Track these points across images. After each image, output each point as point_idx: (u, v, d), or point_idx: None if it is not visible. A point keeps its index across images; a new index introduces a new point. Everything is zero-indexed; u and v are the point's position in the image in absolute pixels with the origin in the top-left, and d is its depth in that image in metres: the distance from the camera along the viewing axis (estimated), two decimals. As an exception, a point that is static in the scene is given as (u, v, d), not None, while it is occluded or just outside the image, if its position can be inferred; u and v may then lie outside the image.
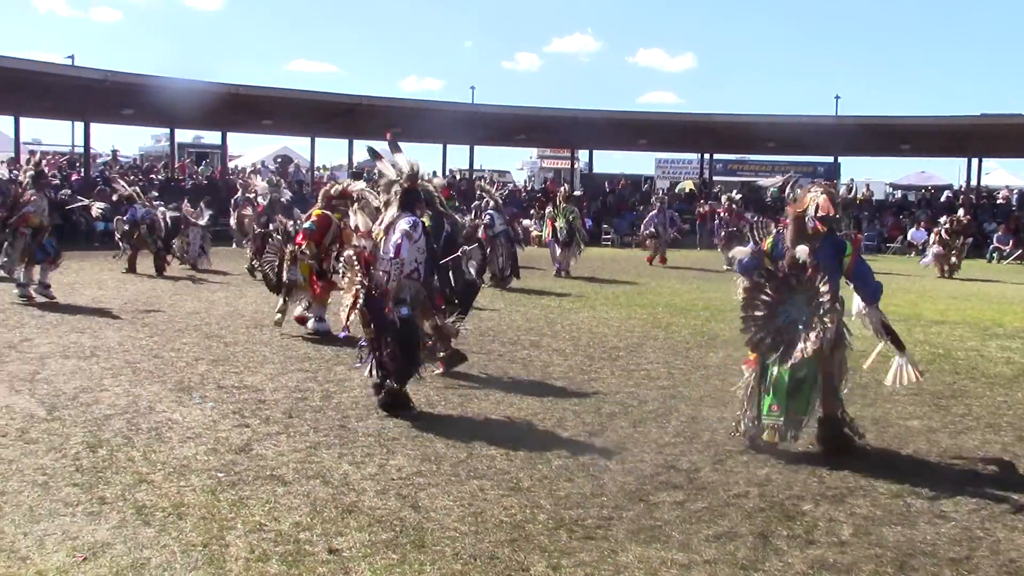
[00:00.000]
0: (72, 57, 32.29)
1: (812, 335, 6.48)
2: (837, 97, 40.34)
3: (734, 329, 12.38)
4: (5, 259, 13.33)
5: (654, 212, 25.48)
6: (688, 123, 37.76)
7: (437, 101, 39.05)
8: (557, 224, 20.91)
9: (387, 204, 7.69)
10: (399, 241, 7.36)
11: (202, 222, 19.83)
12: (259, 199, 20.43)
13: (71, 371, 8.69)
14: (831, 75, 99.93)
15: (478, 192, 21.56)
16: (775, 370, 6.71)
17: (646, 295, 17.05)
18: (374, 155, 8.19)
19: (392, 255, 7.35)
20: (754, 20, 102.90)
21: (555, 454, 6.48)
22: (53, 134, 53.24)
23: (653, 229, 24.89)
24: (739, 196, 27.65)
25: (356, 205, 8.08)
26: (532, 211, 34.14)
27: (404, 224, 7.39)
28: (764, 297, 6.86)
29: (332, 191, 10.80)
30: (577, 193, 26.10)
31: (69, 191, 25.98)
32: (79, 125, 34.46)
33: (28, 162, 18.67)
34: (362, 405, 7.74)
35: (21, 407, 7.33)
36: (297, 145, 43.08)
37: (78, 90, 28.42)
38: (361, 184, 9.25)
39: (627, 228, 34.73)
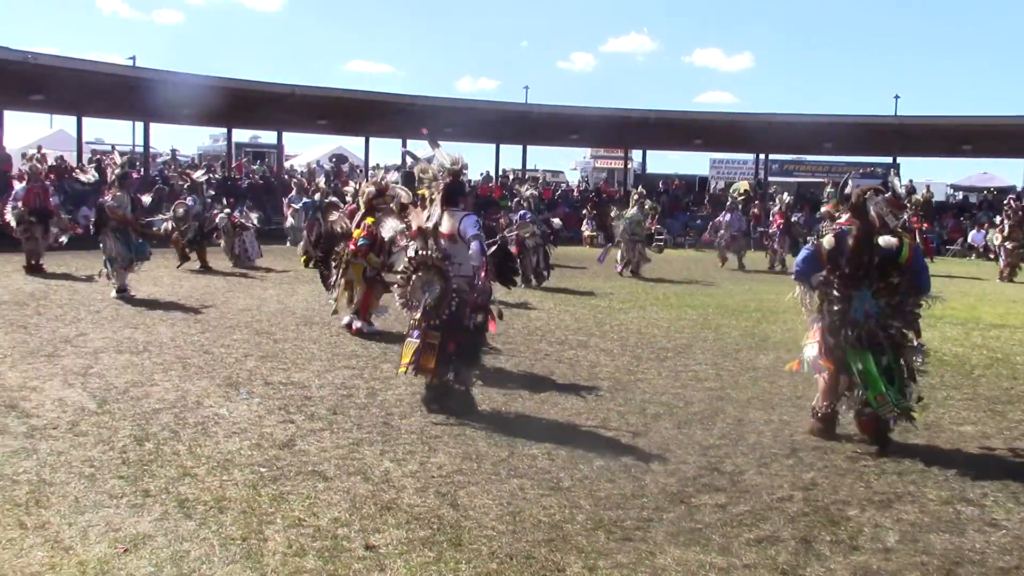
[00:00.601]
0: (134, 58, 32.98)
1: (896, 324, 6.83)
2: (897, 96, 39.90)
3: (786, 331, 12.33)
4: (111, 266, 13.64)
5: (728, 214, 24.50)
6: (744, 123, 37.36)
7: (490, 101, 39.16)
8: (631, 222, 20.58)
9: (431, 201, 7.72)
10: (479, 244, 7.36)
11: (250, 224, 20.14)
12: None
13: (123, 366, 8.84)
14: (891, 74, 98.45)
15: (512, 192, 21.53)
16: (860, 364, 6.81)
17: (697, 296, 16.90)
18: (412, 157, 8.26)
19: (477, 259, 7.34)
20: (812, 19, 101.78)
21: (597, 454, 6.43)
22: (115, 134, 54.19)
23: (733, 231, 24.03)
24: (788, 198, 27.05)
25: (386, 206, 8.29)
26: (584, 212, 34.02)
27: (472, 227, 7.37)
28: (836, 293, 6.98)
29: (369, 194, 10.80)
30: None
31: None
32: (140, 125, 35.06)
33: (95, 161, 19.13)
34: (406, 403, 7.76)
35: (73, 400, 7.46)
36: (352, 144, 43.44)
37: (139, 90, 28.91)
38: (393, 176, 9.37)
39: (680, 229, 34.49)
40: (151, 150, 35.35)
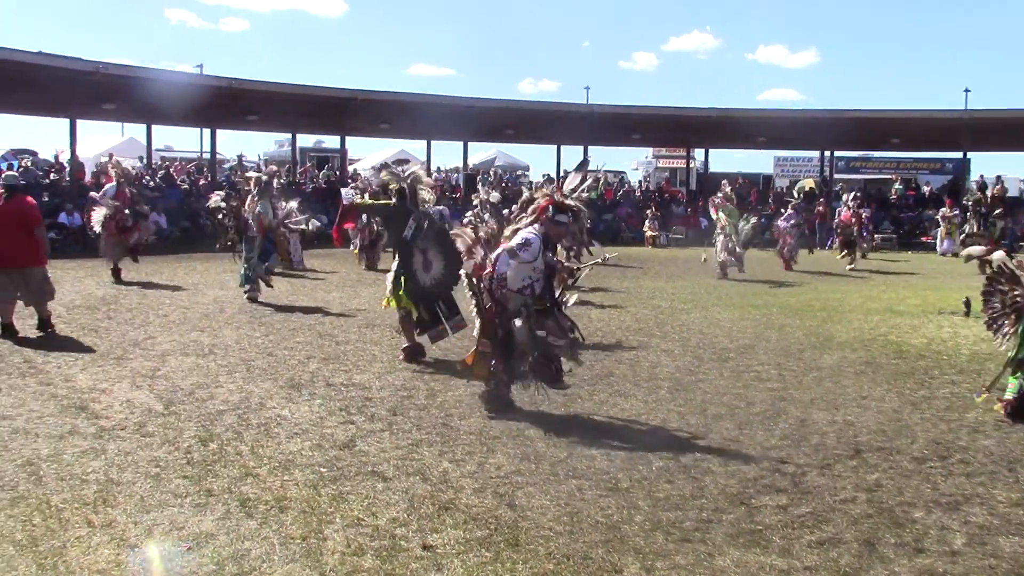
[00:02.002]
0: (200, 66, 33.61)
1: None
2: (967, 90, 38.83)
3: (852, 331, 12.14)
4: (248, 270, 14.11)
5: (792, 213, 23.50)
6: (808, 120, 36.79)
7: (551, 102, 39.18)
8: (729, 224, 20.19)
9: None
10: (498, 254, 7.55)
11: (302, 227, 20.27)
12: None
13: (189, 368, 9.02)
14: (960, 67, 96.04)
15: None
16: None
17: (760, 295, 16.70)
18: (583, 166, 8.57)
19: (492, 267, 7.58)
20: (879, 12, 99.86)
21: (656, 455, 6.38)
22: (183, 140, 55.39)
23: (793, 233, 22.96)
24: (854, 196, 26.41)
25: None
26: (648, 212, 33.85)
27: (515, 239, 7.44)
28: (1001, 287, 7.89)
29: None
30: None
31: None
32: (207, 131, 35.71)
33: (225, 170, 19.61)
34: (465, 404, 7.79)
35: (141, 402, 7.63)
36: (414, 148, 43.74)
37: (206, 97, 29.47)
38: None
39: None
40: (217, 156, 35.98)
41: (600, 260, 8.50)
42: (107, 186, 17.19)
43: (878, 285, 19.29)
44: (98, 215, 16.59)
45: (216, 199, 14.94)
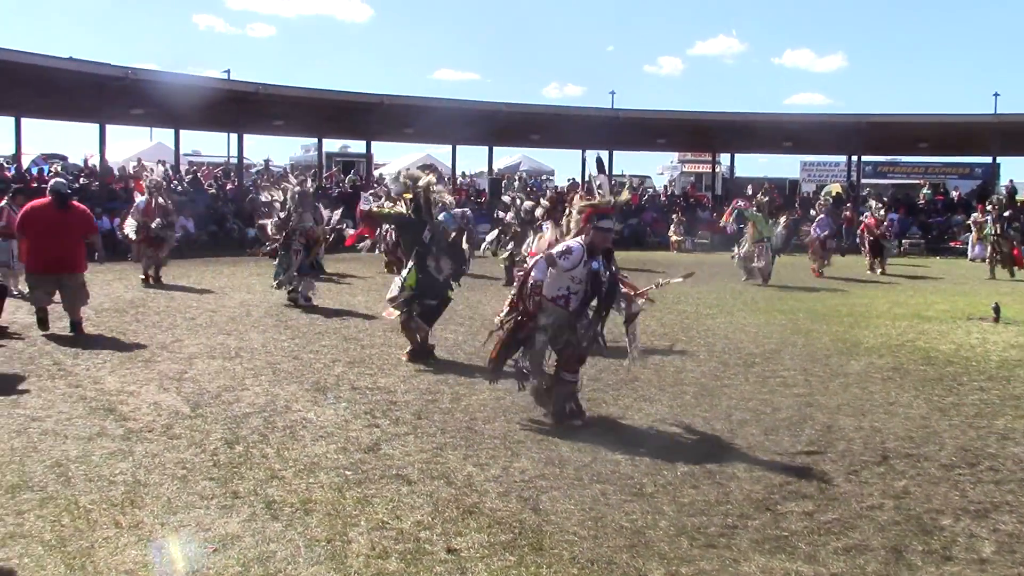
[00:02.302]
0: (228, 71, 33.87)
1: None
2: (996, 94, 38.17)
3: (879, 336, 12.05)
4: (281, 276, 14.31)
5: (823, 217, 23.00)
6: (835, 124, 36.54)
7: (576, 107, 39.16)
8: (756, 231, 20.02)
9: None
10: (536, 260, 7.46)
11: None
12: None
13: (216, 371, 9.08)
14: (990, 71, 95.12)
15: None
16: None
17: (787, 300, 16.60)
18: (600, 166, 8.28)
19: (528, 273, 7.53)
20: (907, 16, 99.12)
21: (681, 460, 6.36)
22: (210, 145, 55.70)
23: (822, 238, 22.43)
24: (878, 205, 26.04)
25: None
26: (673, 216, 33.76)
27: (558, 246, 7.35)
28: None
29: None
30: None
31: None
32: (234, 136, 35.98)
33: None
34: (490, 408, 7.80)
35: (168, 404, 7.69)
36: (439, 152, 43.94)
37: (233, 102, 29.69)
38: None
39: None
40: (245, 160, 36.22)
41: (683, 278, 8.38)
42: (138, 200, 17.39)
43: (906, 290, 19.13)
44: (130, 226, 16.92)
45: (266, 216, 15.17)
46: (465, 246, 11.23)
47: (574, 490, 5.74)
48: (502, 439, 6.85)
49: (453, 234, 10.14)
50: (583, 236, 7.28)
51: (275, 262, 14.45)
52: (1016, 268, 21.99)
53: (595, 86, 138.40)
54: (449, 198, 10.55)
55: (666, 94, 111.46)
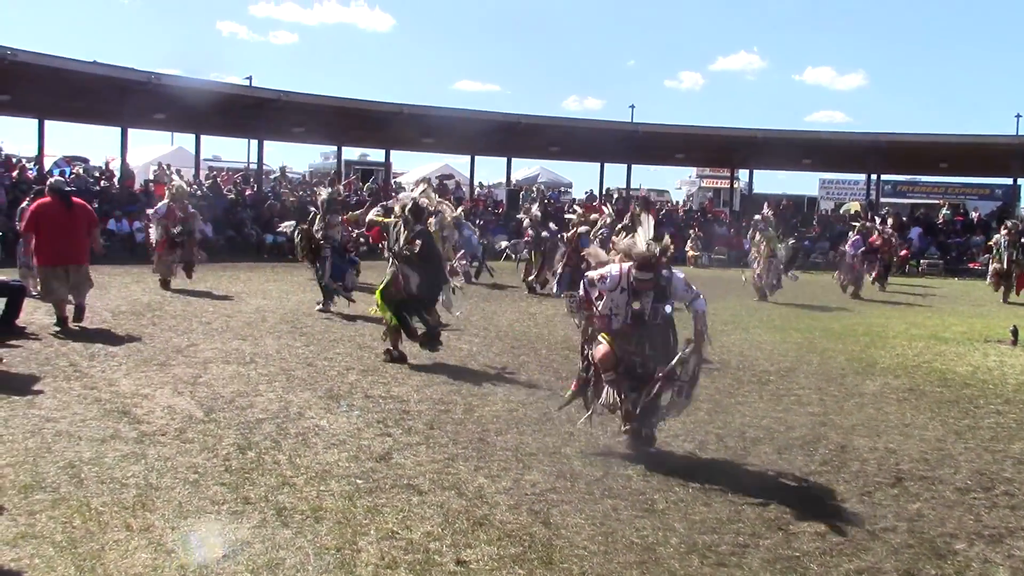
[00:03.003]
0: (250, 78, 34.01)
1: None
2: (1018, 115, 37.91)
3: (895, 356, 11.98)
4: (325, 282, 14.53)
5: (858, 239, 22.52)
6: (855, 142, 36.48)
7: (595, 120, 39.23)
8: (773, 247, 19.94)
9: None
10: (587, 277, 7.38)
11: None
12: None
13: (230, 376, 9.10)
14: (1012, 92, 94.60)
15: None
16: None
17: (803, 319, 16.52)
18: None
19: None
20: (928, 36, 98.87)
21: (693, 477, 6.33)
22: (231, 150, 56.08)
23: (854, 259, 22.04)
24: (883, 220, 25.75)
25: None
26: (691, 232, 33.72)
27: (603, 268, 7.27)
28: None
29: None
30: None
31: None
32: (254, 142, 36.12)
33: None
34: (502, 419, 7.79)
35: (182, 408, 7.72)
36: (457, 163, 43.96)
37: (254, 109, 29.84)
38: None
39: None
40: (264, 167, 36.37)
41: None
42: (159, 204, 17.28)
43: (923, 311, 19.02)
44: (154, 233, 16.84)
45: (286, 227, 15.30)
46: (458, 264, 11.43)
47: (585, 504, 5.73)
48: (514, 451, 6.84)
49: (419, 245, 10.17)
50: (627, 267, 7.00)
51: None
52: (1017, 292, 21.61)
53: (615, 100, 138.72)
54: (448, 210, 10.79)
55: (686, 109, 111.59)
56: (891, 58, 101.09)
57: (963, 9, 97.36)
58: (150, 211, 17.61)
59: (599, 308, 7.19)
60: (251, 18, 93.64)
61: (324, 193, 15.31)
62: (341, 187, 21.72)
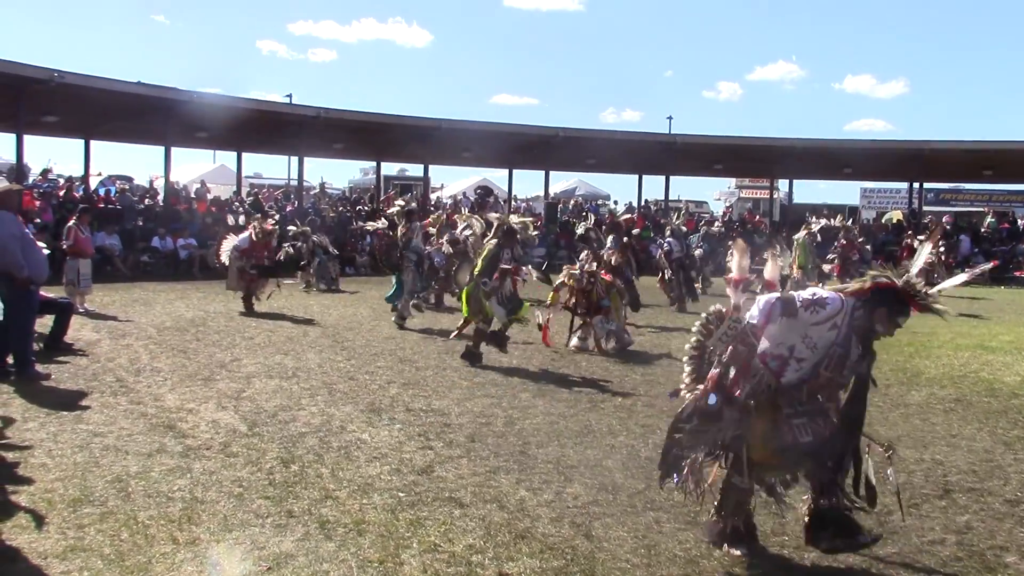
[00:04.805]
0: (290, 96, 34.42)
1: None
2: (1064, 121, 36.95)
3: (941, 367, 11.80)
4: (415, 295, 14.94)
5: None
6: (896, 150, 36.03)
7: (632, 132, 39.19)
8: (799, 263, 19.80)
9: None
10: (765, 298, 5.11)
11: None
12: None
13: (273, 390, 9.19)
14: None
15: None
16: None
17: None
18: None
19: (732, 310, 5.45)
20: (970, 41, 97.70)
21: (736, 489, 6.27)
22: (272, 168, 56.73)
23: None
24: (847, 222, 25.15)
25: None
26: (730, 243, 33.47)
27: (807, 291, 5.17)
28: None
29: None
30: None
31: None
32: (294, 159, 36.49)
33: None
34: (543, 432, 7.78)
35: (226, 422, 7.80)
36: (496, 176, 44.09)
37: (294, 126, 30.16)
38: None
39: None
40: (304, 183, 36.69)
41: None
42: (243, 235, 16.63)
43: (968, 320, 18.71)
44: (226, 247, 16.49)
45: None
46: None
47: (627, 517, 5.71)
48: (555, 464, 6.83)
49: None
50: (853, 299, 5.06)
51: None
52: None
53: (652, 111, 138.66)
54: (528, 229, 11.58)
55: (724, 119, 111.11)
56: (933, 65, 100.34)
57: (1004, 14, 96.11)
58: (234, 238, 16.76)
59: (769, 347, 5.11)
60: (290, 36, 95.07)
61: (404, 203, 15.52)
62: (418, 196, 22.01)
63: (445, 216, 18.66)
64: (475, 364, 10.94)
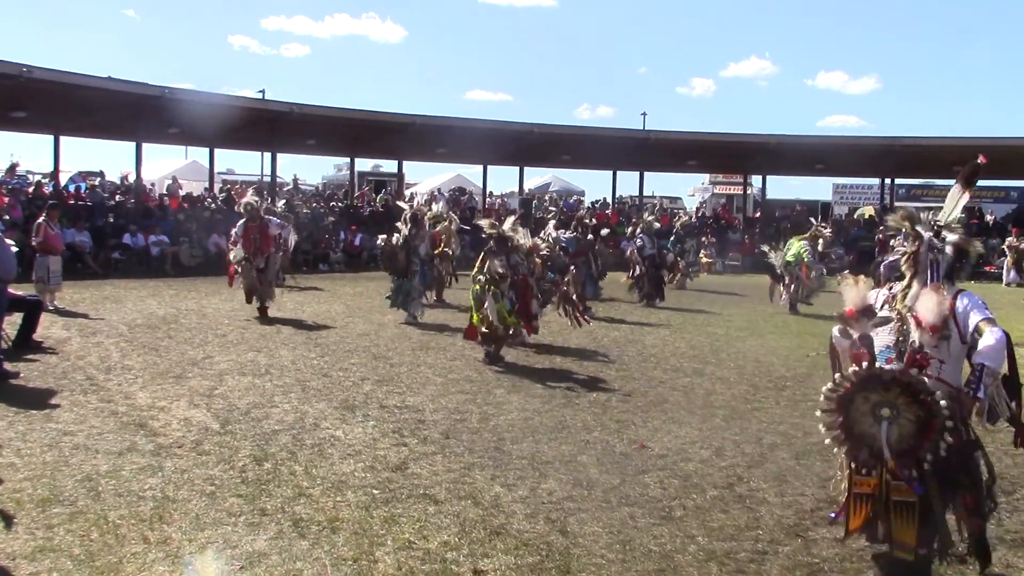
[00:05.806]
0: (263, 91, 34.16)
1: None
2: (1033, 117, 37.49)
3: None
4: (421, 297, 15.07)
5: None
6: (868, 147, 36.27)
7: (607, 128, 39.23)
8: (788, 257, 19.73)
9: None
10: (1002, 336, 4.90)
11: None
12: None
13: (246, 388, 9.12)
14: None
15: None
16: None
17: (819, 324, 16.39)
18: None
19: (997, 360, 5.01)
20: (941, 38, 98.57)
21: (710, 484, 6.31)
22: (244, 163, 56.39)
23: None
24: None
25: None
26: (704, 239, 33.63)
27: (981, 309, 4.99)
28: None
29: None
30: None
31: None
32: (267, 155, 36.23)
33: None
34: (518, 428, 7.77)
35: (198, 420, 7.73)
36: (470, 172, 43.98)
37: (267, 122, 29.95)
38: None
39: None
40: (278, 179, 36.48)
41: None
42: (238, 224, 15.30)
43: (940, 315, 18.86)
44: (235, 255, 15.12)
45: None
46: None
47: (602, 512, 5.70)
48: (530, 460, 6.82)
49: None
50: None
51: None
52: None
53: (627, 107, 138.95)
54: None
55: (698, 116, 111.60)
56: (904, 61, 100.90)
57: (976, 11, 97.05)
58: (233, 232, 15.44)
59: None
60: (263, 32, 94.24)
61: (424, 208, 15.56)
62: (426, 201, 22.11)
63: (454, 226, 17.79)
64: (496, 364, 10.83)
